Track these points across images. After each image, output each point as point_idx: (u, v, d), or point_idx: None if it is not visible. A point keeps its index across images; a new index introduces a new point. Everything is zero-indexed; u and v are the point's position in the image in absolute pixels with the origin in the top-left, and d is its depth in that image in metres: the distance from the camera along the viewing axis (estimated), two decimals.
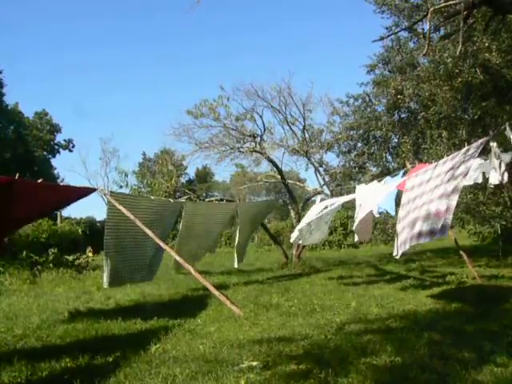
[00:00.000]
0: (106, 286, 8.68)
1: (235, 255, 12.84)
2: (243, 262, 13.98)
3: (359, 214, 9.43)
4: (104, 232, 8.41)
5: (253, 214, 13.00)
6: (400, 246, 6.81)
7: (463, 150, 6.68)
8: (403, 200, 7.40)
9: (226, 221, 12.37)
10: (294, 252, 16.77)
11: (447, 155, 11.23)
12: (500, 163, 7.09)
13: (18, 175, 6.25)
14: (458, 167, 6.48)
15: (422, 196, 6.84)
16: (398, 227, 7.03)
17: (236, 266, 13.21)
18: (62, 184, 8.58)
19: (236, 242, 12.94)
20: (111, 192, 8.69)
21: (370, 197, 9.16)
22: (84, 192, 7.70)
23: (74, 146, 44.42)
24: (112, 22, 73.32)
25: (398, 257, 7.00)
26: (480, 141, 6.44)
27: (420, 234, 6.34)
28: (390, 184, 8.89)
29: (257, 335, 5.92)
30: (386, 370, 4.24)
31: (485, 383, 3.87)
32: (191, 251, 11.23)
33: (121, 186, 20.26)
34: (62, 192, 7.70)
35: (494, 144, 7.11)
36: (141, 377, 4.44)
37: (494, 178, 7.39)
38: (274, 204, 15.19)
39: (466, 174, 6.27)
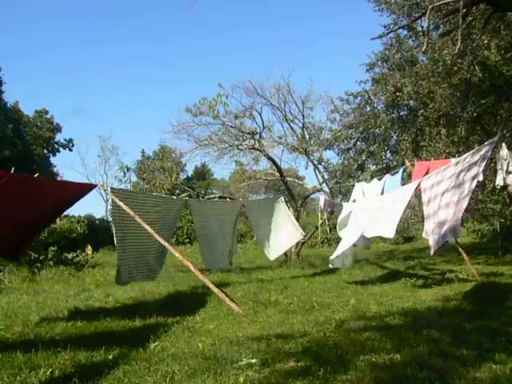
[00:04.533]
0: (117, 283, 8.58)
1: (265, 251, 12.97)
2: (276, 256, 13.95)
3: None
4: (104, 229, 8.39)
5: (263, 210, 12.92)
6: (433, 246, 7.14)
7: (472, 151, 6.72)
8: (424, 199, 7.67)
9: (234, 219, 12.30)
10: (293, 250, 16.77)
11: (446, 152, 11.25)
12: (508, 164, 7.09)
13: (13, 169, 6.25)
14: (469, 169, 6.54)
15: (435, 198, 7.11)
16: (427, 227, 7.39)
17: (271, 258, 13.27)
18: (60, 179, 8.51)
19: (259, 239, 13.11)
20: (112, 188, 8.60)
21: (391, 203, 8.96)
22: (85, 188, 7.69)
23: (73, 146, 44.41)
24: (110, 20, 73.35)
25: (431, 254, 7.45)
26: (489, 142, 6.43)
27: (442, 236, 6.90)
28: (407, 190, 8.68)
29: (256, 332, 5.92)
30: (385, 368, 4.24)
31: (484, 380, 3.87)
32: (219, 253, 11.23)
33: (120, 181, 20.32)
34: (61, 187, 7.67)
35: (503, 145, 7.09)
36: (140, 374, 4.44)
37: (500, 180, 7.42)
38: (281, 200, 15.12)
39: (475, 178, 6.37)
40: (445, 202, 6.99)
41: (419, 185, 8.03)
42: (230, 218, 11.87)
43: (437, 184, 7.27)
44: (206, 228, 11.01)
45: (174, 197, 11.31)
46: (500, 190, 10.74)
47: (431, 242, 7.20)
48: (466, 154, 6.93)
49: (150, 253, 9.03)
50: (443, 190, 7.04)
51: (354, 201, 12.25)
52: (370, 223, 9.21)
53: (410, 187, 8.45)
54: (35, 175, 7.00)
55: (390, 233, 8.43)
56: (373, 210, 9.27)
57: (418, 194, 8.90)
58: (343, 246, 10.22)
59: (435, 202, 7.23)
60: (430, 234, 7.25)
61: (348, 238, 10.30)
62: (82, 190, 7.68)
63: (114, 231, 8.22)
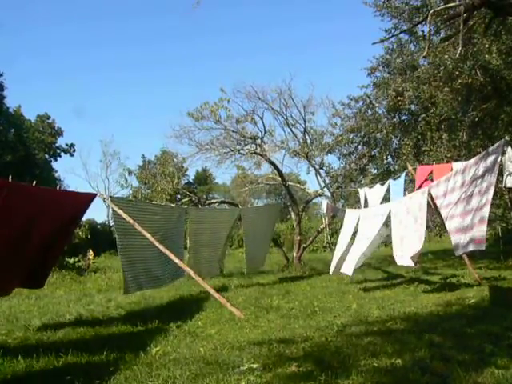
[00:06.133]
0: (125, 293, 8.47)
1: (245, 261, 13.00)
2: (259, 268, 13.98)
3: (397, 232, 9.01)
4: (105, 234, 8.38)
5: (259, 218, 12.96)
6: (458, 248, 7.03)
7: (479, 156, 6.65)
8: (439, 203, 7.61)
9: (230, 227, 12.31)
10: (295, 254, 16.78)
11: (447, 157, 11.19)
12: None
13: (10, 177, 6.24)
14: (477, 184, 6.45)
15: (447, 206, 7.05)
16: (449, 226, 7.26)
17: (246, 271, 13.37)
18: (60, 189, 8.40)
19: (244, 247, 13.08)
20: (111, 197, 8.66)
21: (405, 211, 8.83)
22: (86, 199, 7.70)
23: (75, 151, 44.47)
24: (112, 23, 73.63)
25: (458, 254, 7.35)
26: (494, 151, 6.33)
27: (462, 246, 6.76)
28: (420, 199, 8.38)
29: (257, 337, 5.92)
30: (386, 372, 4.23)
31: None
32: (204, 261, 11.26)
33: (122, 186, 20.32)
34: (61, 196, 7.66)
35: (508, 148, 7.04)
36: (141, 379, 4.44)
37: (510, 182, 7.40)
38: (278, 208, 15.19)
39: (485, 193, 6.28)
40: (457, 212, 6.92)
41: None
42: (225, 226, 11.90)
43: (450, 192, 7.20)
44: (199, 236, 11.10)
45: (173, 205, 11.33)
46: (508, 191, 10.74)
47: (453, 243, 7.14)
48: (472, 160, 6.84)
49: (155, 260, 9.01)
50: (456, 199, 6.96)
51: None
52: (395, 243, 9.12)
53: (421, 196, 8.31)
54: (33, 183, 6.98)
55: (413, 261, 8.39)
56: (397, 227, 9.11)
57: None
58: (353, 255, 10.06)
59: (449, 208, 7.16)
60: (452, 234, 7.15)
61: (358, 246, 10.18)
62: (84, 201, 7.67)
63: (117, 240, 8.24)
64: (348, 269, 9.90)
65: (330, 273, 11.13)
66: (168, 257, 8.48)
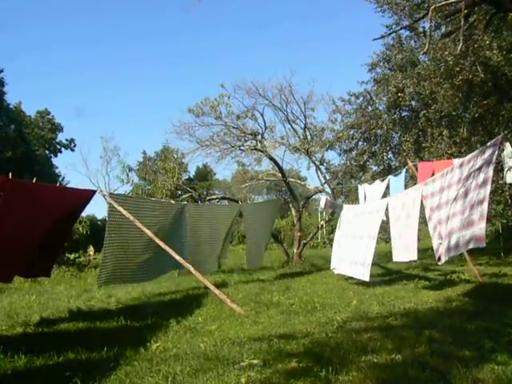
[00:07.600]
0: (99, 284, 8.57)
1: (246, 257, 13.02)
2: (258, 265, 13.83)
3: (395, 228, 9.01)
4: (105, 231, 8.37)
5: (259, 214, 12.94)
6: (444, 254, 7.07)
7: (476, 151, 6.62)
8: (427, 207, 7.59)
9: (229, 223, 12.28)
10: (295, 250, 16.80)
11: (448, 153, 11.17)
12: None
13: (11, 174, 6.24)
14: (475, 176, 6.41)
15: (447, 204, 6.96)
16: (434, 235, 7.29)
17: (246, 267, 13.45)
18: (60, 185, 8.42)
19: (246, 244, 13.11)
20: (110, 193, 8.69)
21: (401, 206, 8.76)
22: (87, 196, 7.72)
23: (75, 146, 44.35)
24: (112, 20, 73.32)
25: (441, 263, 7.37)
26: (492, 144, 6.29)
27: (457, 246, 6.71)
28: (414, 193, 8.38)
29: (257, 333, 5.92)
30: (386, 368, 4.23)
31: (485, 381, 3.85)
32: (203, 257, 11.31)
33: (122, 181, 20.31)
34: (62, 193, 7.66)
35: (507, 144, 7.03)
36: (141, 375, 4.44)
37: (510, 178, 7.38)
38: (278, 203, 15.14)
39: (483, 185, 6.24)
40: (457, 210, 6.84)
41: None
42: (224, 222, 11.88)
43: (447, 188, 7.12)
44: (197, 232, 11.11)
45: (172, 201, 11.33)
46: (509, 187, 10.71)
47: (440, 251, 7.10)
48: (469, 156, 6.82)
49: (141, 256, 9.06)
50: (454, 196, 6.88)
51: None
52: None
53: (415, 192, 8.29)
54: (34, 180, 6.98)
55: (412, 255, 8.32)
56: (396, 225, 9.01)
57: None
58: (362, 258, 9.93)
59: (446, 209, 7.06)
60: (437, 241, 7.12)
61: (362, 246, 10.11)
62: (84, 197, 7.70)
63: (106, 234, 8.27)
64: (362, 274, 9.65)
65: (335, 271, 11.09)
66: (154, 252, 8.74)
